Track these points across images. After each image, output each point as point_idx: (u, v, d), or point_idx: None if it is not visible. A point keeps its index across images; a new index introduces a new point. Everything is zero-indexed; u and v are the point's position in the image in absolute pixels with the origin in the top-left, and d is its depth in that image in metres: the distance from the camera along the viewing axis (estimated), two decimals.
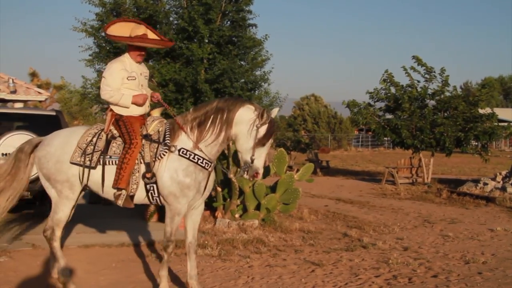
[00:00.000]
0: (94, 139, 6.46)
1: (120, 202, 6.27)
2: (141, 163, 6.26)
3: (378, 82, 21.32)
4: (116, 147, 6.41)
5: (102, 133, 6.53)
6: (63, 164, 6.44)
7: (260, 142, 6.04)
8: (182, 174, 6.16)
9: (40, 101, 24.97)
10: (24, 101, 21.15)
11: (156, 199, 6.34)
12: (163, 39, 7.08)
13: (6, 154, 9.86)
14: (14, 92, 19.40)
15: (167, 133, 6.33)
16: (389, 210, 14.50)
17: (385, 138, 22.14)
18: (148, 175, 6.21)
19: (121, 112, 6.53)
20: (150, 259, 8.36)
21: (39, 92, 21.39)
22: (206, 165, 6.25)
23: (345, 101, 22.10)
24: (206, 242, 9.32)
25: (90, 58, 18.75)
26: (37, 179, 10.10)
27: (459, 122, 19.70)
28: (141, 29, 6.57)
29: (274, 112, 6.29)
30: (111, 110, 6.60)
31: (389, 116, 21.88)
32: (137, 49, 6.60)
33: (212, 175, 6.55)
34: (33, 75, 40.76)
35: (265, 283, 7.18)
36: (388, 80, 21.12)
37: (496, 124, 20.41)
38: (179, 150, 6.20)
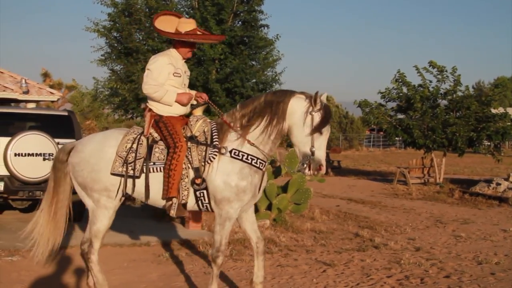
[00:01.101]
0: (134, 146, 5.90)
1: (172, 212, 5.77)
2: (188, 168, 5.77)
3: (389, 82, 21.27)
4: (160, 152, 5.90)
5: (142, 137, 5.98)
6: (100, 173, 5.90)
7: (318, 130, 5.56)
8: (237, 177, 5.69)
9: (52, 101, 25.07)
10: (37, 101, 21.23)
11: (206, 205, 5.87)
12: (214, 33, 6.68)
13: (19, 154, 9.93)
14: (26, 92, 19.47)
15: (214, 134, 5.85)
16: (401, 210, 14.45)
17: (396, 138, 22.05)
18: (198, 181, 5.73)
19: (161, 112, 6.01)
20: (161, 259, 8.37)
21: (51, 93, 21.46)
22: (261, 165, 5.81)
23: (356, 100, 22.04)
24: None
25: (102, 58, 18.84)
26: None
27: (472, 122, 19.60)
28: (191, 24, 6.12)
29: (324, 96, 5.76)
30: (150, 110, 6.08)
31: (400, 116, 21.80)
32: (188, 45, 6.16)
33: (265, 175, 6.12)
34: (45, 75, 41.02)
35: (276, 283, 7.18)
36: (400, 80, 21.05)
37: (509, 124, 20.25)
38: (230, 152, 5.73)
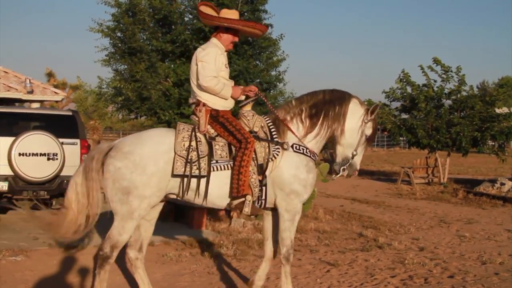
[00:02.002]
0: (193, 143, 5.55)
1: (247, 210, 5.56)
2: (254, 165, 5.58)
3: (394, 81, 21.25)
4: (221, 149, 5.62)
5: (198, 134, 5.65)
6: (153, 177, 5.43)
7: (372, 140, 5.97)
8: (305, 170, 5.69)
9: (56, 101, 25.11)
10: (41, 101, 21.28)
11: (262, 202, 5.68)
12: (260, 23, 6.36)
13: (23, 154, 9.96)
14: (31, 92, 19.52)
15: (272, 129, 5.75)
16: (405, 210, 14.44)
17: (400, 138, 22.02)
18: (260, 178, 5.58)
19: (217, 106, 5.77)
20: (165, 259, 8.38)
21: (55, 92, 21.50)
22: (315, 158, 5.89)
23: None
24: (221, 242, 9.33)
25: (106, 58, 18.88)
26: (53, 178, 10.25)
27: (476, 122, 19.57)
28: (234, 14, 5.89)
29: (377, 109, 6.03)
30: (204, 105, 5.75)
31: (405, 115, 21.78)
32: (232, 34, 5.89)
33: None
34: (50, 75, 41.07)
35: (280, 283, 7.16)
36: (405, 80, 21.03)
37: None
38: (292, 146, 5.70)
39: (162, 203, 6.00)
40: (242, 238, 9.66)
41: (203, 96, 5.77)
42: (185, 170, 5.47)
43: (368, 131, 5.89)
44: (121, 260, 8.19)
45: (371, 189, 19.66)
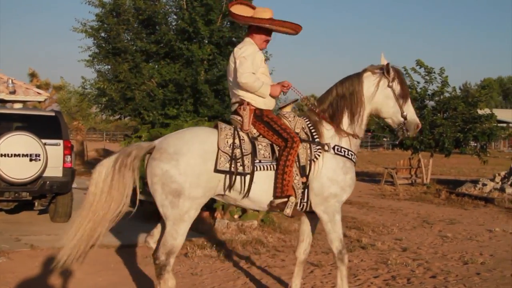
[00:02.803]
0: (237, 141, 5.43)
1: (288, 211, 5.44)
2: (297, 166, 5.50)
3: None
4: (264, 149, 5.52)
5: (241, 133, 5.54)
6: (202, 176, 5.29)
7: (406, 97, 5.80)
8: (342, 171, 5.60)
9: (39, 102, 24.97)
10: (24, 102, 21.14)
11: (304, 204, 5.61)
12: (294, 23, 5.88)
13: (5, 155, 9.88)
14: (13, 92, 19.41)
15: (312, 130, 5.68)
16: (388, 211, 14.51)
17: (384, 139, 22.13)
18: (303, 180, 5.49)
19: (261, 105, 5.66)
20: (148, 260, 8.34)
21: (38, 93, 21.40)
22: (355, 159, 5.81)
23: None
24: (205, 243, 9.33)
25: (89, 58, 18.79)
26: (35, 179, 10.18)
27: (458, 123, 19.72)
28: (268, 13, 5.73)
29: (382, 57, 5.89)
30: (249, 104, 5.64)
31: None
32: (264, 33, 5.77)
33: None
34: (33, 75, 40.72)
35: (263, 284, 7.18)
36: None
37: (495, 125, 20.43)
38: (333, 148, 5.62)
39: None
40: (226, 239, 9.66)
41: (246, 95, 5.64)
42: (230, 166, 5.33)
43: (398, 90, 5.76)
44: (105, 262, 8.16)
45: (355, 190, 19.46)
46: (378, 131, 20.80)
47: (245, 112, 5.59)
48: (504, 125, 22.48)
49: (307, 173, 5.51)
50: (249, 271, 7.80)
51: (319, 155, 5.55)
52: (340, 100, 5.72)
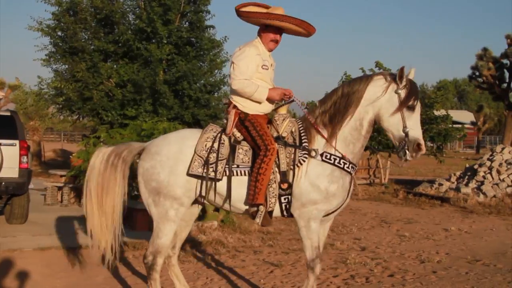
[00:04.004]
0: (215, 145, 5.40)
1: (258, 221, 5.24)
2: (276, 172, 5.26)
3: (336, 83, 21.52)
4: (244, 154, 5.40)
5: (223, 136, 5.47)
6: (178, 177, 5.40)
7: (405, 104, 5.09)
8: (327, 180, 5.22)
9: None
10: None
11: (289, 212, 5.40)
12: (306, 22, 5.57)
13: None
14: None
15: (302, 134, 5.36)
16: (347, 211, 14.63)
17: None
18: (284, 186, 5.23)
19: (247, 109, 5.48)
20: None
21: None
22: (352, 169, 5.34)
23: (304, 102, 22.19)
24: None
25: (46, 57, 18.47)
26: None
27: None
28: (279, 10, 5.44)
29: (412, 73, 5.30)
30: (235, 107, 5.52)
31: None
32: (273, 32, 5.50)
33: (354, 179, 5.62)
34: None
35: (223, 284, 7.18)
36: None
37: (451, 126, 20.80)
38: (321, 155, 5.26)
39: (200, 205, 5.98)
40: (186, 240, 9.60)
41: (234, 98, 5.57)
42: (202, 171, 5.36)
43: (403, 97, 5.15)
44: (62, 264, 8.03)
45: None
46: None
47: (229, 115, 5.52)
48: (459, 126, 22.86)
49: (289, 179, 5.24)
50: (209, 272, 7.79)
51: (304, 161, 5.24)
52: (344, 100, 5.30)
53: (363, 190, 19.31)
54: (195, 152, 5.41)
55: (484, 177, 16.63)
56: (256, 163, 5.22)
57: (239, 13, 5.56)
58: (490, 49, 31.65)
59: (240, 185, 5.35)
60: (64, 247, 8.91)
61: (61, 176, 14.21)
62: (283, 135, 5.36)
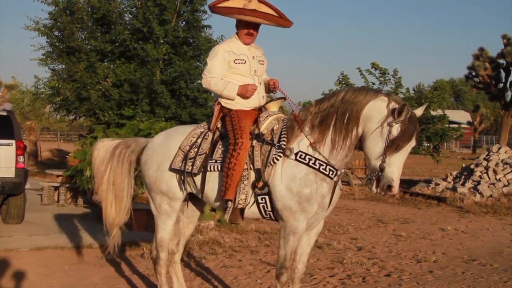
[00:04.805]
0: (199, 140, 5.43)
1: (226, 217, 5.17)
2: (250, 169, 5.09)
3: (333, 83, 21.53)
4: (224, 149, 5.29)
5: (209, 133, 5.49)
6: (164, 172, 5.53)
7: (392, 145, 4.69)
8: (300, 183, 4.93)
9: None
10: None
11: (269, 213, 5.18)
12: (282, 16, 5.41)
13: None
14: None
15: (283, 133, 5.11)
16: (344, 211, 14.65)
17: None
18: (259, 185, 5.03)
19: (230, 105, 5.37)
20: (104, 261, 8.26)
21: None
22: (331, 172, 5.00)
23: (300, 102, 22.24)
24: None
25: (43, 57, 18.44)
26: None
27: None
28: (252, 4, 5.28)
29: (420, 110, 5.01)
30: (219, 103, 5.46)
31: None
32: (245, 26, 5.38)
33: (339, 187, 5.33)
34: None
35: (220, 284, 7.18)
36: (344, 82, 21.32)
37: (447, 125, 20.84)
38: (296, 154, 4.99)
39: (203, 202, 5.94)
40: None
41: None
42: (181, 165, 5.41)
43: (395, 133, 4.72)
44: (59, 264, 8.03)
45: None
46: None
47: (214, 111, 5.53)
48: (456, 126, 22.96)
49: (264, 177, 5.03)
50: (206, 272, 7.79)
51: (277, 160, 5.00)
52: (341, 105, 4.97)
53: (360, 190, 19.31)
54: (179, 147, 5.48)
55: (480, 177, 16.66)
56: (226, 157, 5.14)
57: (213, 10, 5.54)
58: (486, 49, 31.72)
59: (214, 180, 5.31)
60: (60, 247, 8.91)
61: (58, 176, 14.19)
62: (263, 132, 5.19)
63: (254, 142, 5.17)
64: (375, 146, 4.80)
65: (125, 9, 18.49)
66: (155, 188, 5.65)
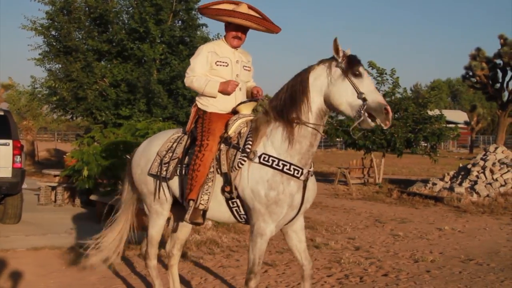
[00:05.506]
0: (174, 145, 5.50)
1: (187, 216, 5.12)
2: (217, 172, 5.08)
3: None
4: (192, 153, 5.28)
5: (184, 137, 5.53)
6: (147, 176, 5.69)
7: (350, 69, 4.65)
8: (266, 186, 4.84)
9: None
10: None
11: (243, 217, 5.13)
12: (270, 21, 5.41)
13: None
14: None
15: (249, 136, 5.04)
16: (341, 210, 14.66)
17: (337, 139, 22.33)
18: (227, 189, 4.98)
19: (206, 107, 5.38)
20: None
21: None
22: (296, 172, 4.89)
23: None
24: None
25: (39, 57, 18.40)
26: None
27: (409, 124, 20.05)
28: (242, 8, 5.29)
29: (348, 51, 4.83)
30: (195, 106, 5.49)
31: (341, 117, 22.09)
32: (234, 29, 5.37)
33: (313, 183, 5.22)
34: None
35: (218, 284, 7.18)
36: None
37: (444, 125, 20.86)
38: (259, 157, 4.90)
39: None
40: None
41: (197, 97, 5.57)
42: (157, 170, 5.53)
43: (345, 66, 4.72)
44: (56, 264, 8.02)
45: None
46: (331, 131, 20.81)
47: (191, 114, 5.55)
48: (453, 125, 22.94)
49: (232, 181, 4.96)
50: (204, 272, 7.79)
51: (242, 164, 4.93)
52: (291, 92, 4.90)
53: (357, 190, 19.33)
54: (157, 152, 5.61)
55: (477, 176, 16.68)
56: (192, 159, 5.16)
57: (203, 12, 5.61)
58: (483, 49, 31.83)
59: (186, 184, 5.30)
60: (57, 247, 8.90)
61: (55, 176, 14.17)
62: (231, 135, 5.15)
63: (222, 145, 5.14)
64: (343, 89, 4.69)
65: (121, 8, 18.47)
66: (142, 190, 5.82)
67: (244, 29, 5.41)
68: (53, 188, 13.79)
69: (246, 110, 5.39)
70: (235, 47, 5.45)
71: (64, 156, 14.71)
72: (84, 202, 12.96)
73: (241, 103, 5.41)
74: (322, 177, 25.08)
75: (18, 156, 10.45)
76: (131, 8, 18.22)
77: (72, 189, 13.30)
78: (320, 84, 4.82)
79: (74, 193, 13.45)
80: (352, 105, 4.65)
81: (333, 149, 52.89)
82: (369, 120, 4.61)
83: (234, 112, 5.40)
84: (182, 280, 7.28)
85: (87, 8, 17.82)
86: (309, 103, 4.83)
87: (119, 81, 17.26)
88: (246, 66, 5.55)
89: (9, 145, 10.39)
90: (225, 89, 5.26)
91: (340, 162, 30.92)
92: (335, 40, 4.72)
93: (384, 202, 16.54)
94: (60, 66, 18.12)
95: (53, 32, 18.09)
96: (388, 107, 4.57)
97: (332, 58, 4.83)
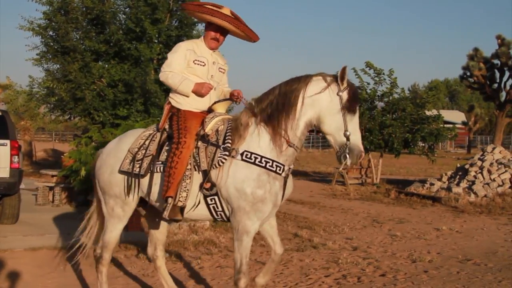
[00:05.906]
0: (147, 142, 5.47)
1: (165, 214, 5.08)
2: (195, 170, 5.10)
3: None
4: (169, 149, 5.30)
5: (157, 134, 5.53)
6: (116, 175, 5.55)
7: (350, 108, 4.87)
8: (254, 184, 4.91)
9: None
10: None
11: (220, 214, 5.17)
12: (248, 28, 5.50)
13: None
14: None
15: (227, 134, 5.11)
16: (339, 211, 14.67)
17: None
18: (207, 186, 5.02)
19: (179, 105, 5.43)
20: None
21: None
22: (278, 169, 5.00)
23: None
24: None
25: (37, 57, 18.38)
26: None
27: (407, 124, 20.05)
28: (224, 10, 5.36)
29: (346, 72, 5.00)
30: (169, 103, 5.53)
31: None
32: (213, 30, 5.44)
33: (290, 179, 5.33)
34: None
35: (215, 284, 7.18)
36: None
37: (442, 126, 20.87)
38: (241, 154, 4.98)
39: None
40: (178, 240, 9.60)
41: (170, 94, 5.60)
42: (129, 167, 5.46)
43: (345, 99, 4.91)
44: (54, 264, 8.01)
45: (306, 190, 19.85)
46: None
47: (164, 111, 5.59)
48: (451, 126, 23.01)
49: (212, 179, 5.02)
50: (201, 272, 7.79)
51: (223, 162, 4.99)
52: (281, 99, 5.01)
53: (355, 190, 19.35)
54: (128, 150, 5.53)
55: (475, 176, 16.69)
56: (169, 156, 5.18)
57: (186, 7, 5.70)
58: (481, 49, 31.80)
59: (160, 182, 5.31)
60: (55, 248, 8.89)
61: (53, 176, 14.16)
62: (208, 133, 5.20)
63: (200, 143, 5.19)
64: (334, 119, 4.91)
65: (118, 9, 18.46)
66: (109, 191, 5.64)
67: (223, 32, 5.50)
68: (51, 188, 13.77)
69: (221, 109, 5.50)
70: (212, 49, 5.56)
71: (62, 156, 14.71)
72: (82, 202, 12.94)
73: (216, 102, 5.53)
74: (320, 177, 25.12)
75: (16, 156, 10.44)
76: (127, 9, 18.21)
77: (70, 189, 13.29)
78: (314, 101, 4.98)
79: (72, 193, 13.43)
80: (337, 140, 4.96)
81: (330, 150, 52.73)
82: (348, 159, 4.94)
83: (209, 110, 5.48)
84: (180, 280, 7.29)
85: (84, 8, 17.81)
86: (298, 116, 5.00)
87: (117, 81, 17.26)
88: (221, 68, 5.67)
89: (6, 145, 10.39)
90: (199, 91, 5.35)
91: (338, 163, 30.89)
92: (344, 69, 4.88)
93: (382, 202, 16.55)
94: (57, 66, 18.10)
95: (50, 33, 18.07)
96: (363, 152, 5.04)
97: (334, 80, 4.98)
